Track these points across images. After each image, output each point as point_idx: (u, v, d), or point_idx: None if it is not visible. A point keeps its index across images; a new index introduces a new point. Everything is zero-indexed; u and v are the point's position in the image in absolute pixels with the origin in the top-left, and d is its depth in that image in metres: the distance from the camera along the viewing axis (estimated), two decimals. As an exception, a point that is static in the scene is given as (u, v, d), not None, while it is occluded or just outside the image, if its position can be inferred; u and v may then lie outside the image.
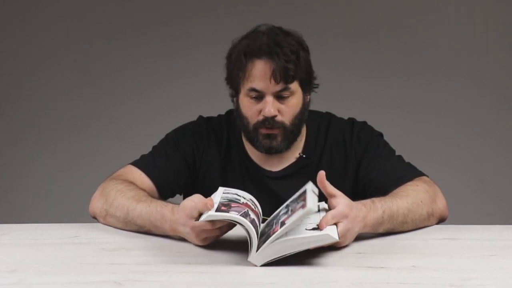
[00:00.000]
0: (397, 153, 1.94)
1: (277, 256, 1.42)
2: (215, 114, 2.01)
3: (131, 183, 1.82)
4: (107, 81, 3.72)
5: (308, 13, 3.61)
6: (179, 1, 3.68)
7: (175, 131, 1.98)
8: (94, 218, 1.82)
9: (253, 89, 1.81)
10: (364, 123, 1.97)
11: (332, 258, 1.48)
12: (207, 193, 1.88)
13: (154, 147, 1.97)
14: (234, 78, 1.84)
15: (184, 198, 1.95)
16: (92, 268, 1.43)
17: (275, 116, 1.81)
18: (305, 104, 1.87)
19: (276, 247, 1.41)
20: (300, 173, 1.89)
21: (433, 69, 3.62)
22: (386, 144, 1.95)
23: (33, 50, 3.72)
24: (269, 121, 1.82)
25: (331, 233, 1.42)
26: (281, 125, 1.83)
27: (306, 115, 1.89)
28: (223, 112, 2.01)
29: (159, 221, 1.63)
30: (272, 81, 1.78)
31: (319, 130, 1.95)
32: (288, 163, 1.92)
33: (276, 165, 1.92)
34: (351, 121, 1.97)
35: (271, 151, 1.86)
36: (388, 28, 3.61)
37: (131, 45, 3.69)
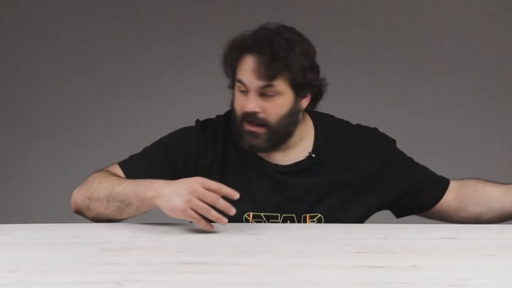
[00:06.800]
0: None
1: None
2: (216, 114, 2.00)
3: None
4: (108, 81, 3.71)
5: (308, 13, 3.61)
6: (181, 1, 3.68)
7: (170, 136, 1.95)
8: (77, 213, 1.83)
9: (240, 81, 1.82)
10: (384, 135, 1.96)
11: (332, 258, 1.48)
12: None
13: (145, 148, 1.95)
14: (229, 70, 1.85)
15: None
16: (92, 268, 1.43)
17: (257, 113, 1.80)
18: (297, 108, 1.84)
19: None
20: (310, 172, 1.89)
21: (432, 69, 3.62)
22: (410, 158, 1.98)
23: (33, 50, 3.72)
24: (250, 117, 1.81)
25: None
26: (265, 123, 1.81)
27: (298, 119, 1.86)
28: (222, 113, 2.00)
29: (145, 187, 1.66)
30: (255, 77, 1.78)
31: (329, 131, 1.93)
32: (296, 160, 1.89)
33: (282, 159, 1.90)
34: (371, 131, 1.96)
35: (254, 149, 1.85)
36: (388, 28, 3.62)
37: (131, 46, 3.69)
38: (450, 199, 1.93)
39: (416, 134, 3.61)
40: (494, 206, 1.90)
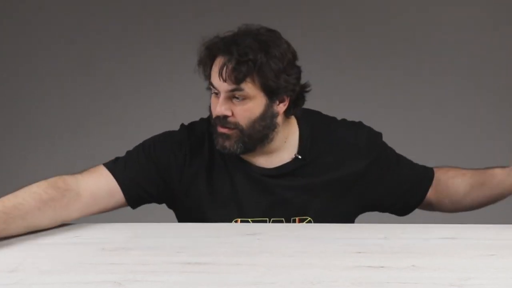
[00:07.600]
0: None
1: None
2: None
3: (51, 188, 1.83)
4: (108, 81, 3.72)
5: (308, 13, 3.61)
6: (182, 2, 3.68)
7: (153, 139, 1.90)
8: None
9: (212, 84, 1.79)
10: (370, 129, 1.94)
11: (332, 258, 1.48)
12: (196, 201, 1.84)
13: (128, 152, 1.89)
14: (204, 72, 1.82)
15: (176, 215, 1.93)
16: (92, 268, 1.43)
17: (227, 116, 1.77)
18: (270, 112, 1.79)
19: None
20: (296, 174, 1.86)
21: (432, 69, 3.63)
22: (394, 152, 1.96)
23: (33, 50, 3.72)
24: (220, 120, 1.78)
25: None
26: (236, 126, 1.78)
27: (273, 122, 1.81)
28: None
29: None
30: (223, 80, 1.75)
31: (314, 130, 1.89)
32: (282, 162, 1.86)
33: (268, 163, 1.86)
34: (356, 126, 1.94)
35: (226, 151, 1.80)
36: (388, 28, 3.62)
37: (132, 46, 3.70)
38: (429, 194, 1.94)
39: (415, 134, 3.62)
40: (468, 204, 1.94)
